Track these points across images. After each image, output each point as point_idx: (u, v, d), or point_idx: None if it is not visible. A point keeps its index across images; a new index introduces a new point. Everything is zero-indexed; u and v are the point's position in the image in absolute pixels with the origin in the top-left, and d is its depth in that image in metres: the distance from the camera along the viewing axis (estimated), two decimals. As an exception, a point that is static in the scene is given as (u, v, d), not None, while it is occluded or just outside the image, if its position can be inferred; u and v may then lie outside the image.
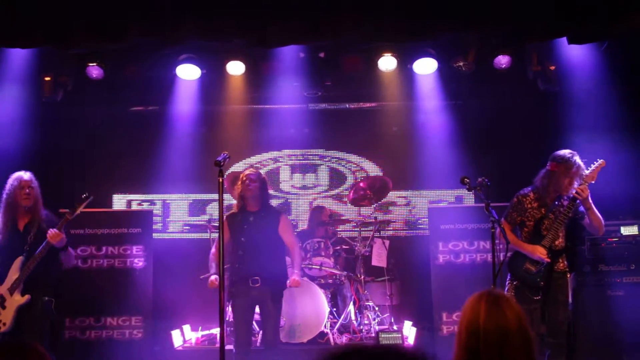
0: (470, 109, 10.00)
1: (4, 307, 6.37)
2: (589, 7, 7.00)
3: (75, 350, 8.16)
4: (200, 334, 8.70)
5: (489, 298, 2.94)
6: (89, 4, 7.20)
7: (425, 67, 9.05)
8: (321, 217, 9.66)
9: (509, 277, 6.48)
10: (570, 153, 6.31)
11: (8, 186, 6.64)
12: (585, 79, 8.46)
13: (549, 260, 6.28)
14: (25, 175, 6.64)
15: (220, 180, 5.32)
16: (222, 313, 5.17)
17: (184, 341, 8.67)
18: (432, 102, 9.75)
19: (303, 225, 10.18)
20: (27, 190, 6.56)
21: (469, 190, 6.30)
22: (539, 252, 6.28)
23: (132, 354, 8.20)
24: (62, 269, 6.86)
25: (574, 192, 6.18)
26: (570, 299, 6.78)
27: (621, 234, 7.85)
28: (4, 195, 6.65)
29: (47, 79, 8.96)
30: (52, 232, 6.37)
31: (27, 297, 6.38)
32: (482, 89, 9.63)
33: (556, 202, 6.37)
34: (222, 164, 5.39)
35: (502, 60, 8.73)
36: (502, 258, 6.01)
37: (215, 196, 10.32)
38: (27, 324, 6.41)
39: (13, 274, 6.41)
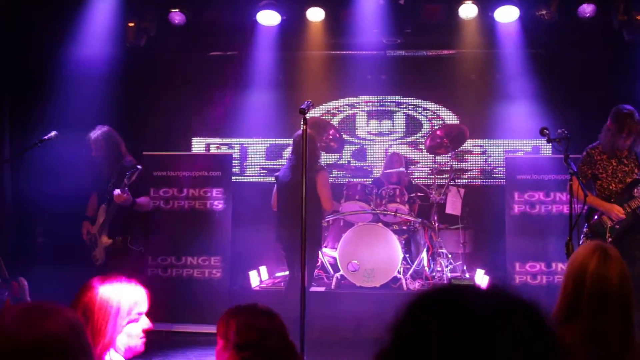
0: (551, 58, 9.83)
1: (97, 245, 6.88)
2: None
3: (157, 287, 8.42)
4: (280, 274, 8.99)
5: (601, 253, 2.92)
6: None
7: (507, 15, 8.93)
8: (396, 163, 9.67)
9: (585, 227, 6.49)
10: (627, 111, 6.22)
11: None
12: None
13: (624, 217, 6.28)
14: (93, 135, 7.03)
15: (305, 127, 5.41)
16: (303, 255, 5.33)
17: (261, 282, 8.93)
18: (513, 51, 9.61)
19: (378, 172, 10.25)
20: (93, 153, 6.97)
21: (548, 141, 6.28)
22: (617, 211, 6.27)
23: (210, 293, 8.46)
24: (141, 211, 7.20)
25: None
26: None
27: None
28: None
29: (131, 25, 9.18)
30: (116, 193, 6.71)
31: (110, 241, 6.86)
32: (565, 39, 9.41)
33: None
34: (306, 111, 5.47)
35: (587, 9, 8.55)
36: (579, 211, 6.02)
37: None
38: (113, 261, 6.87)
39: (100, 217, 6.98)
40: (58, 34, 8.64)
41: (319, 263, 8.65)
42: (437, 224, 8.99)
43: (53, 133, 7.05)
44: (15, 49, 8.65)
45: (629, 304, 2.88)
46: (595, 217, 6.44)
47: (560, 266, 8.02)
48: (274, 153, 10.82)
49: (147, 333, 3.01)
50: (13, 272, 7.40)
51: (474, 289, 1.43)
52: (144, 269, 8.44)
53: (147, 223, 8.13)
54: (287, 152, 10.42)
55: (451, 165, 9.45)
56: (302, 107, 5.48)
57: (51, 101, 8.56)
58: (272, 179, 10.31)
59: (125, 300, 2.89)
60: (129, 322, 2.90)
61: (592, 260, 2.91)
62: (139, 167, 6.83)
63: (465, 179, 10.37)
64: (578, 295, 2.89)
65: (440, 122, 10.52)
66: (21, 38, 8.65)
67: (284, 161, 10.29)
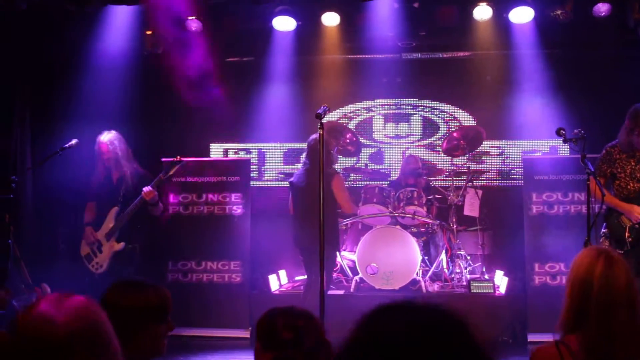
0: (567, 58, 9.81)
1: (100, 252, 6.99)
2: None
3: (178, 292, 8.48)
4: (299, 278, 9.04)
5: (607, 257, 2.92)
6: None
7: (522, 15, 8.92)
8: (413, 166, 9.69)
9: (603, 226, 6.48)
10: None
11: (96, 145, 7.15)
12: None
13: None
14: (104, 138, 7.08)
15: (321, 132, 5.46)
16: (322, 259, 5.37)
17: (280, 285, 8.98)
18: (528, 51, 9.61)
19: (396, 174, 10.27)
20: (105, 157, 7.03)
21: (564, 142, 6.30)
22: (637, 212, 6.25)
23: (231, 297, 8.52)
24: (153, 217, 7.30)
25: None
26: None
27: None
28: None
29: (149, 33, 9.27)
30: (147, 189, 6.80)
31: (122, 244, 6.94)
32: (580, 38, 9.39)
33: None
34: (322, 116, 5.52)
35: (602, 8, 8.52)
36: (597, 210, 6.02)
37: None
38: (117, 268, 6.95)
39: (109, 222, 7.06)
40: (76, 42, 8.75)
41: (337, 266, 8.69)
42: (455, 226, 9.01)
43: (74, 141, 7.17)
44: (35, 55, 8.80)
45: (635, 306, 2.88)
46: (614, 218, 6.42)
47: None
48: (291, 157, 10.86)
49: (169, 337, 3.06)
50: (35, 278, 7.49)
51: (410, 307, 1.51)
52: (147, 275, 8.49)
53: (154, 230, 8.18)
54: (305, 156, 10.52)
55: (468, 167, 9.46)
56: (318, 111, 5.53)
57: (70, 105, 8.69)
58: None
59: (150, 302, 2.95)
60: (153, 325, 2.95)
61: (598, 264, 2.90)
62: (183, 160, 6.94)
63: (483, 180, 10.37)
64: (586, 300, 2.87)
65: (457, 124, 10.52)
66: (40, 44, 8.78)
67: (301, 165, 10.37)
